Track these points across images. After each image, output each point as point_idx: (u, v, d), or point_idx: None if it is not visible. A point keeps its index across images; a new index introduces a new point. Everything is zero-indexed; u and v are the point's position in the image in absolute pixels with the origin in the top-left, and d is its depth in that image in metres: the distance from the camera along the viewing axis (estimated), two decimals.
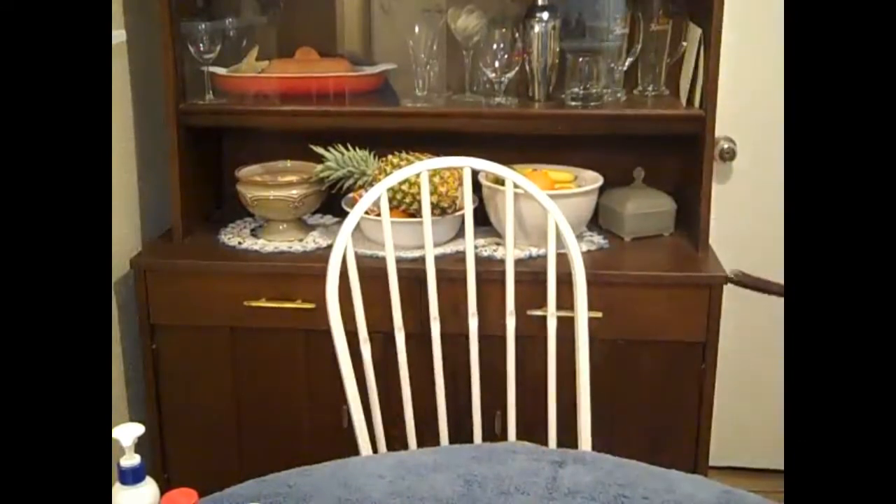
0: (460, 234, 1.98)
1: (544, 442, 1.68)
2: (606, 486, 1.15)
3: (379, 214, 1.70)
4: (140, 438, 0.96)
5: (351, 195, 2.09)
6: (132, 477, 0.94)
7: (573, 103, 2.02)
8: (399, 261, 1.72)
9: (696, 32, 2.00)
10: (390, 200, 1.80)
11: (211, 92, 2.08)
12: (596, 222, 2.12)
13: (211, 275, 2.00)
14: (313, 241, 2.09)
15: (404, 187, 1.94)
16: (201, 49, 2.03)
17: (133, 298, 2.04)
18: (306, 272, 1.95)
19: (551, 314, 1.69)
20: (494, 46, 1.98)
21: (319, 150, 2.05)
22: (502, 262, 1.78)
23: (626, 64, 2.08)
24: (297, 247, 2.07)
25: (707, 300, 1.85)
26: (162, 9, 1.95)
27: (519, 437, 1.73)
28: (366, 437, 1.60)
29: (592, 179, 2.04)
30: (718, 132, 2.03)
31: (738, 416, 2.43)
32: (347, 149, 2.05)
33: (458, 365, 1.77)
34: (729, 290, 1.92)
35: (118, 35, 2.05)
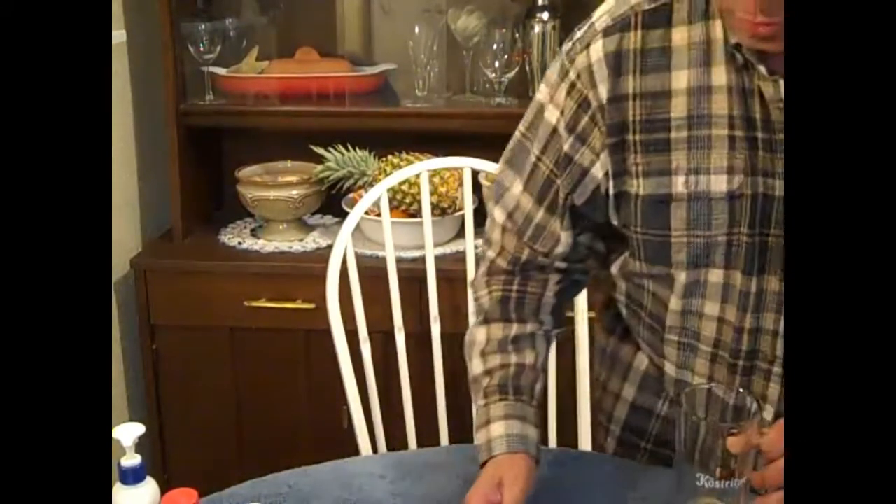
0: (460, 234, 1.98)
1: (544, 442, 1.67)
2: (606, 486, 1.15)
3: (379, 214, 1.70)
4: (140, 438, 0.96)
5: (351, 195, 2.09)
6: (132, 477, 0.94)
7: None
8: (399, 261, 1.72)
9: None
10: (390, 200, 1.80)
11: (211, 92, 2.08)
12: None
13: (211, 275, 2.00)
14: (313, 241, 2.09)
15: (404, 187, 1.94)
16: (201, 49, 2.03)
17: (133, 298, 2.04)
18: (306, 272, 1.95)
19: None
20: (494, 46, 1.98)
21: (320, 150, 2.06)
22: None
23: None
24: (297, 247, 2.07)
25: None
26: (162, 9, 1.95)
27: None
28: (366, 437, 1.60)
29: None
30: None
31: None
32: (347, 149, 2.05)
33: (458, 365, 1.76)
34: None
35: (118, 35, 2.05)
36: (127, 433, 0.95)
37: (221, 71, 2.12)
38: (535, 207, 1.08)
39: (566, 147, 1.03)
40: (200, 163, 2.18)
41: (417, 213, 1.91)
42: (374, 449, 1.63)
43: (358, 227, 1.68)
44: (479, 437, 1.09)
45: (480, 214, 2.02)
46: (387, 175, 1.77)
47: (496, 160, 1.75)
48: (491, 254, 1.15)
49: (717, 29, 0.94)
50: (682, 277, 1.02)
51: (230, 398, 2.05)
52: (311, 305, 1.93)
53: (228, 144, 2.32)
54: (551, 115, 1.04)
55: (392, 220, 1.69)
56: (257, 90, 2.16)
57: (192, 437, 2.09)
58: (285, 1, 2.25)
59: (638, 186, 0.99)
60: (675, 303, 1.05)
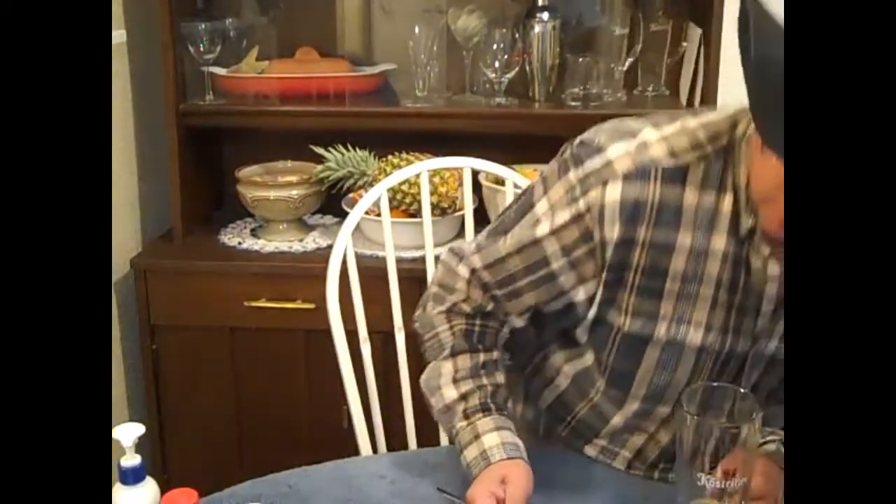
0: (460, 234, 1.98)
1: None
2: (607, 485, 1.15)
3: (379, 214, 1.70)
4: (140, 438, 0.96)
5: (351, 195, 2.09)
6: (132, 477, 0.94)
7: (573, 103, 2.02)
8: (399, 261, 1.72)
9: (696, 32, 2.00)
10: (390, 200, 1.80)
11: (211, 92, 2.08)
12: None
13: (211, 275, 2.00)
14: (313, 241, 2.09)
15: (404, 187, 1.94)
16: (201, 49, 2.03)
17: (133, 298, 2.04)
18: (306, 272, 1.95)
19: None
20: (494, 47, 1.98)
21: (320, 150, 2.06)
22: None
23: (626, 64, 2.08)
24: (297, 247, 2.07)
25: None
26: (162, 9, 1.95)
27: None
28: (366, 437, 1.60)
29: None
30: None
31: None
32: (347, 149, 2.05)
33: None
34: None
35: (118, 35, 2.05)
36: (127, 433, 0.95)
37: (221, 71, 2.12)
38: (496, 284, 1.14)
39: (554, 266, 1.08)
40: (200, 163, 2.18)
41: (417, 213, 1.91)
42: (374, 449, 1.63)
43: (358, 227, 1.68)
44: (469, 453, 1.09)
45: (480, 214, 2.03)
46: (387, 175, 1.77)
47: (496, 160, 1.76)
48: (453, 298, 1.17)
49: (727, 203, 1.01)
50: (634, 406, 1.12)
51: (230, 398, 2.05)
52: (311, 305, 1.93)
53: (228, 144, 2.32)
54: (541, 229, 1.07)
55: (392, 220, 1.68)
56: (257, 90, 2.15)
57: (192, 437, 2.09)
58: (285, 1, 2.25)
59: (624, 323, 1.07)
60: (617, 420, 1.15)
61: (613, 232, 1.02)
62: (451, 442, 1.14)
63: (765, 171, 0.93)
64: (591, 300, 1.07)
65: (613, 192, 1.01)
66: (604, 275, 1.05)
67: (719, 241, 1.02)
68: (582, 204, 1.03)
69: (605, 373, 1.12)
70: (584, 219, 1.04)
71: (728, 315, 1.05)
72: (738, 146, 1.01)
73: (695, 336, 1.05)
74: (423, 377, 1.18)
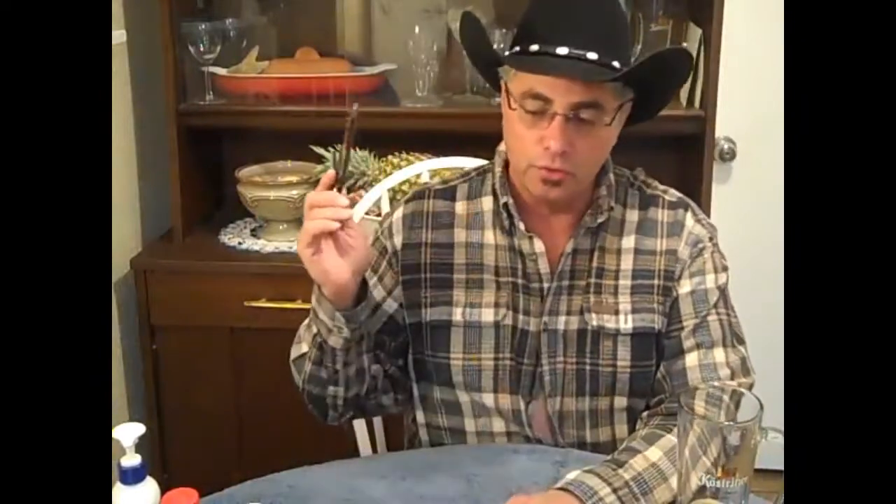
0: None
1: None
2: None
3: (379, 215, 1.70)
4: (140, 438, 0.96)
5: (351, 195, 2.09)
6: (132, 477, 0.94)
7: None
8: None
9: (696, 32, 2.00)
10: (390, 201, 1.79)
11: (211, 92, 2.08)
12: None
13: (211, 275, 2.00)
14: None
15: (404, 187, 1.94)
16: (201, 49, 2.03)
17: (133, 298, 2.04)
18: (306, 272, 1.95)
19: None
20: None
21: (320, 150, 2.06)
22: None
23: None
24: (297, 247, 2.07)
25: None
26: (162, 9, 1.95)
27: None
28: (366, 437, 1.60)
29: None
30: (718, 132, 2.02)
31: None
32: None
33: None
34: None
35: (118, 35, 2.05)
36: (127, 433, 0.95)
37: (221, 71, 2.12)
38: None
39: (369, 282, 1.25)
40: (200, 163, 2.18)
41: None
42: (374, 449, 1.63)
43: None
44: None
45: None
46: (387, 175, 1.77)
47: None
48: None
49: (488, 204, 1.28)
50: (464, 398, 1.28)
51: (230, 398, 2.05)
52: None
53: (228, 144, 2.32)
54: None
55: None
56: (257, 90, 2.15)
57: (192, 437, 2.09)
58: (285, 1, 2.25)
59: (425, 315, 1.27)
60: (469, 424, 1.30)
61: (399, 239, 1.28)
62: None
63: (508, 123, 1.20)
64: (401, 307, 1.28)
65: (398, 212, 1.31)
66: (401, 278, 1.27)
67: (488, 235, 1.27)
68: (378, 232, 1.31)
69: (433, 377, 1.28)
70: (380, 238, 1.30)
71: (514, 295, 1.25)
72: (493, 163, 1.29)
73: (487, 315, 1.25)
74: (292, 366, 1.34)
